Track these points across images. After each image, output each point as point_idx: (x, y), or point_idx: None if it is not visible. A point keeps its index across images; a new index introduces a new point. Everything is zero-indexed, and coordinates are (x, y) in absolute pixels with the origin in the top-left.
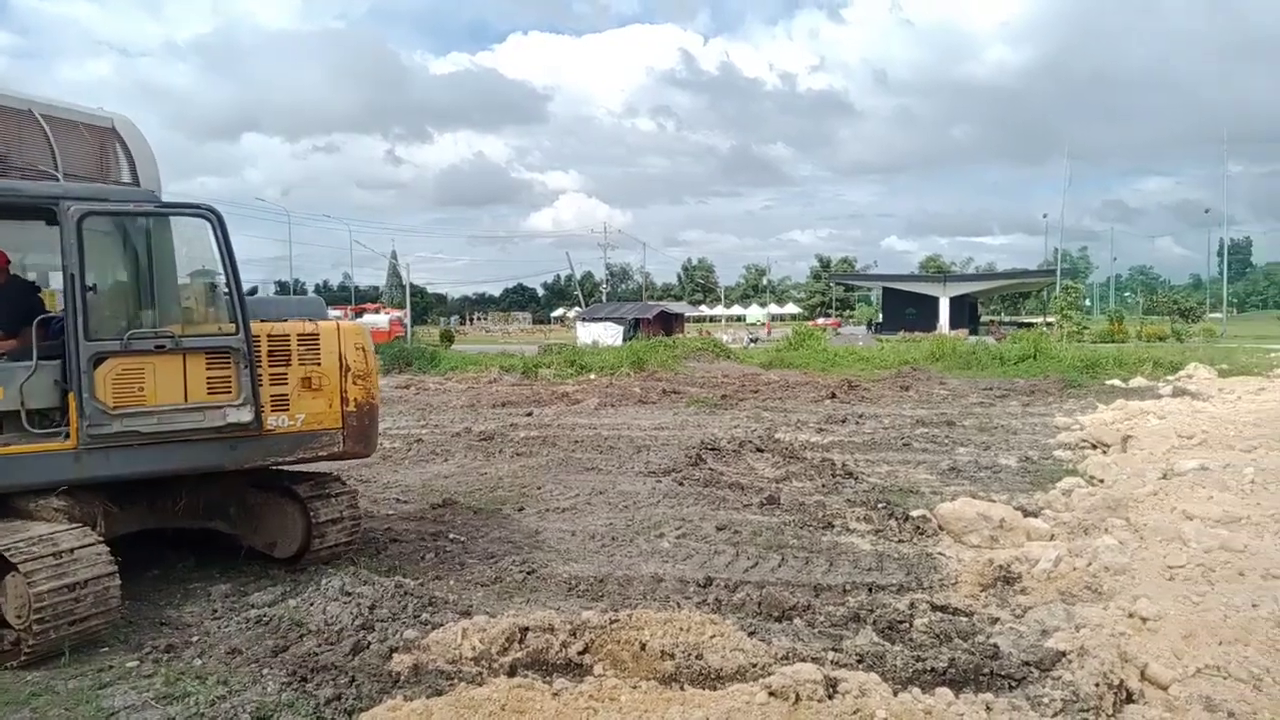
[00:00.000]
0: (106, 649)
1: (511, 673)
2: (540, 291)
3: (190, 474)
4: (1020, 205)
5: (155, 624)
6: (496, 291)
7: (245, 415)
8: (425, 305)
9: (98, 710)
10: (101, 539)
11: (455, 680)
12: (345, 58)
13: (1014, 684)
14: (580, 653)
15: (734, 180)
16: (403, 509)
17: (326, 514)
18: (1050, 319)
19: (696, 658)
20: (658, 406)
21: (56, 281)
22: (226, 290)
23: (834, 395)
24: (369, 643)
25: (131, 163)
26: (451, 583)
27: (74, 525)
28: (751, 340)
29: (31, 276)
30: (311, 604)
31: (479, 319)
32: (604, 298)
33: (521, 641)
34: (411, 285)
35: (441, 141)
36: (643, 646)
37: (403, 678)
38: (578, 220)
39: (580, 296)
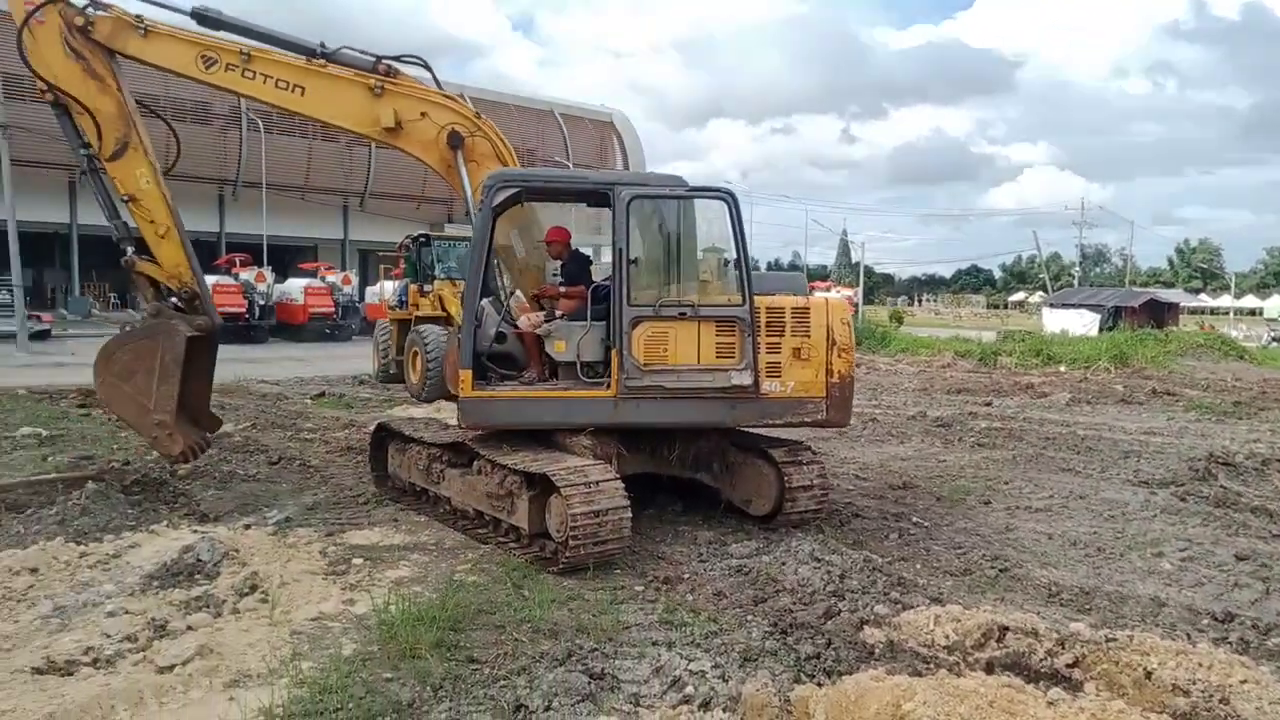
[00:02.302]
0: (619, 571)
1: (989, 670)
2: (997, 273)
3: (697, 428)
4: None
5: (654, 557)
6: (947, 272)
7: (746, 379)
8: (872, 285)
9: (616, 621)
10: (618, 476)
11: (931, 665)
12: (805, 41)
13: None
14: (1069, 665)
15: (1253, 145)
16: (862, 486)
17: (799, 480)
18: None
19: (1221, 702)
20: (1146, 408)
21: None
22: (734, 265)
23: None
24: (840, 610)
25: (624, 152)
26: (918, 566)
27: (598, 461)
28: (1275, 338)
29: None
30: (783, 564)
31: (928, 300)
32: (1075, 282)
33: (1000, 640)
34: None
35: (897, 117)
36: (1148, 674)
37: (877, 651)
38: (1045, 196)
39: (1046, 280)
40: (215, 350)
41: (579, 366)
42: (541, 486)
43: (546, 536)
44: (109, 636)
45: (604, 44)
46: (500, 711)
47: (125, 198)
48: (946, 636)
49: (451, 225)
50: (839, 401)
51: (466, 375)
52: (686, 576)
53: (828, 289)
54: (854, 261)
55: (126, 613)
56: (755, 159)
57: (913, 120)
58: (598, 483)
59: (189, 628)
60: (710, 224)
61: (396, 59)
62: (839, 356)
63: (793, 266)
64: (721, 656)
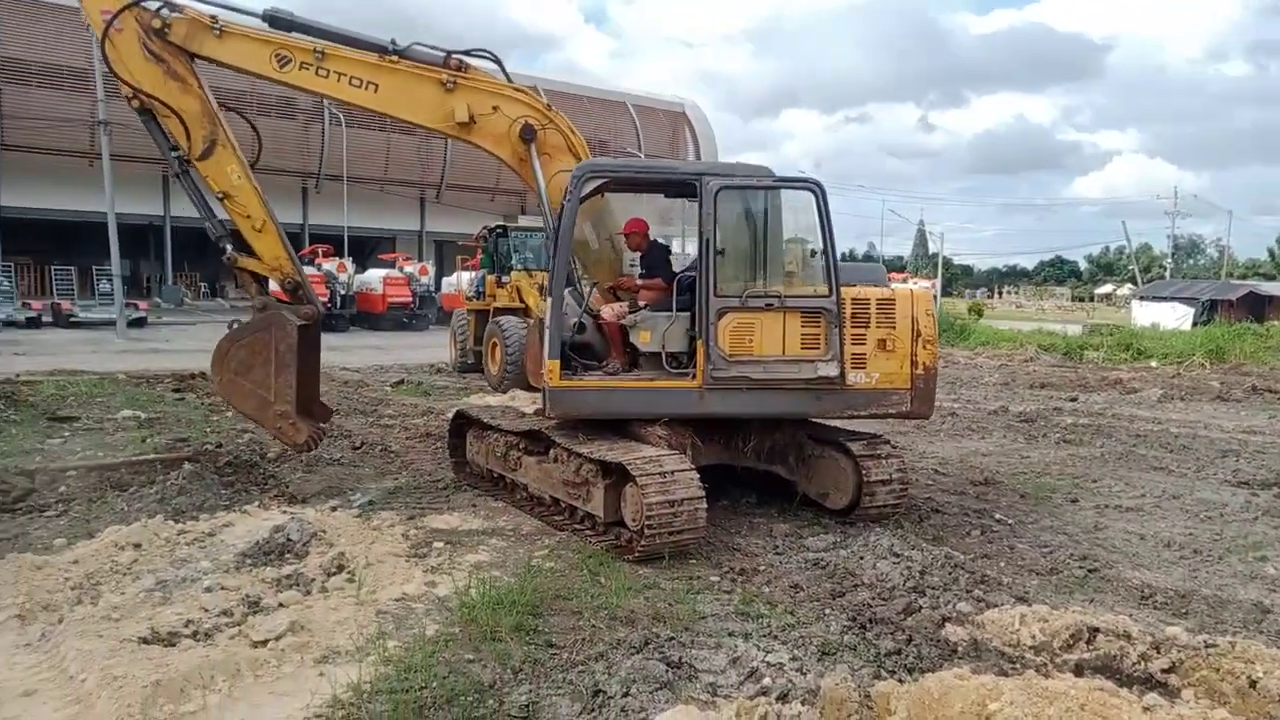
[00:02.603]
0: (694, 561)
1: (1078, 672)
2: (1082, 265)
3: (781, 418)
4: None
5: (729, 548)
6: (1030, 264)
7: (832, 370)
8: (950, 276)
9: (693, 611)
10: (693, 467)
11: (1018, 665)
12: (882, 27)
13: None
14: (1164, 671)
15: None
16: (941, 481)
17: (878, 474)
18: None
19: None
20: (1245, 405)
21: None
22: (820, 256)
23: None
24: (920, 606)
25: (696, 142)
26: (1002, 564)
27: (672, 452)
28: None
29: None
30: (861, 558)
31: (1009, 292)
32: (1167, 274)
33: (1090, 642)
34: (937, 255)
35: (978, 105)
36: (1252, 683)
37: (960, 649)
38: (1135, 185)
39: (1136, 272)
40: (319, 338)
41: (663, 357)
42: (617, 475)
43: (622, 525)
44: (207, 611)
45: (676, 34)
46: (579, 696)
47: (219, 195)
48: (1033, 636)
49: (525, 217)
50: (923, 393)
51: (554, 366)
52: (762, 568)
53: (904, 280)
54: (931, 252)
55: (222, 588)
56: (829, 148)
57: (994, 107)
58: (673, 472)
59: (280, 605)
60: (795, 215)
61: (466, 54)
62: (924, 348)
63: (868, 258)
64: (799, 649)
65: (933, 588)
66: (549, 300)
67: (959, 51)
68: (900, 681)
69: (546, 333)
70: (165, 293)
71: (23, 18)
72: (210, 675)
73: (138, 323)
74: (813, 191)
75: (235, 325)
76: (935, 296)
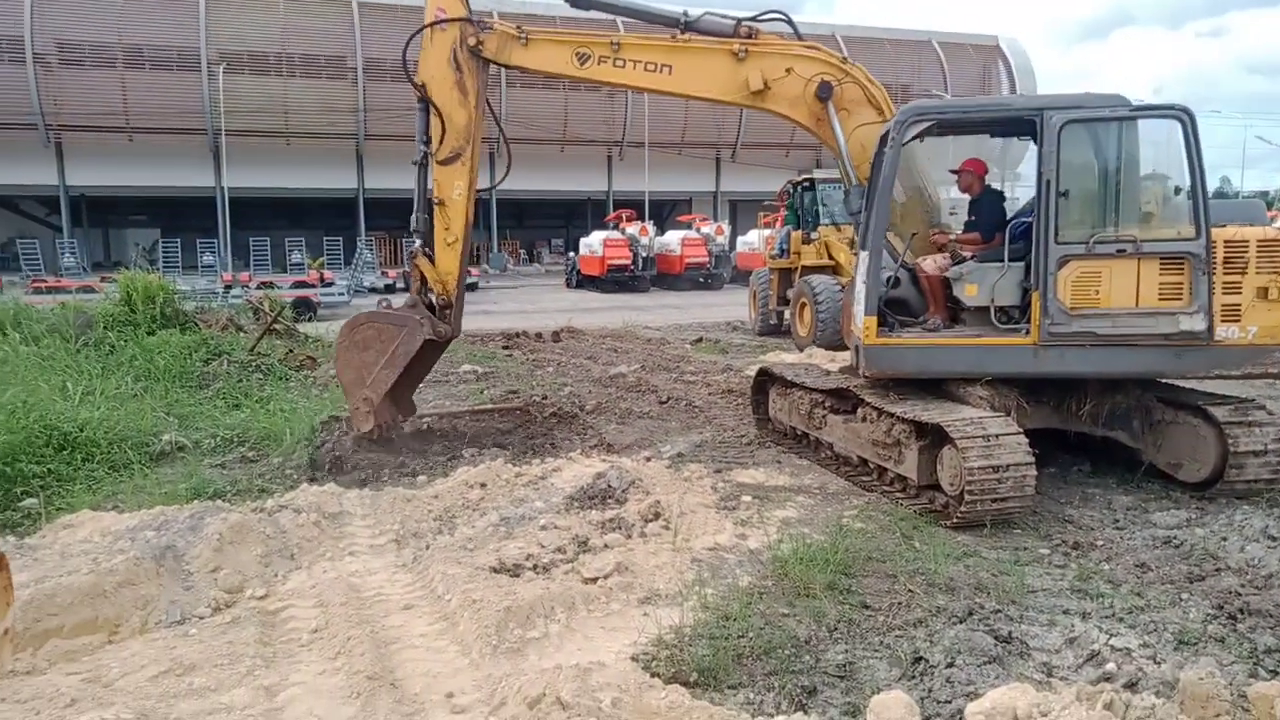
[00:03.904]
0: (1019, 531)
1: None
2: None
3: (1133, 378)
4: None
5: (1059, 519)
6: None
7: (1198, 324)
8: None
9: (1020, 583)
10: (1020, 430)
11: None
12: None
13: None
14: None
15: None
16: None
17: (1248, 444)
18: None
19: None
20: None
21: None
22: (1182, 194)
23: None
24: None
25: (1012, 78)
26: None
27: (996, 414)
28: None
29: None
30: (1225, 539)
31: None
32: None
33: None
34: None
35: None
36: None
37: None
38: None
39: None
40: (441, 354)
41: (992, 311)
42: (932, 437)
43: (937, 489)
44: (543, 547)
45: None
46: (897, 661)
47: (436, 200)
48: None
49: (819, 170)
50: None
51: (871, 323)
52: (1100, 544)
53: (1273, 219)
54: None
55: (555, 528)
56: (1172, 72)
57: None
58: (997, 436)
59: (605, 546)
60: (1154, 148)
61: (754, 19)
62: None
63: (1220, 194)
64: (1150, 635)
65: None
66: (867, 254)
67: None
68: None
69: (862, 288)
70: (492, 259)
71: (380, 21)
72: (550, 606)
73: (470, 287)
74: (1181, 120)
75: (385, 304)
76: None
